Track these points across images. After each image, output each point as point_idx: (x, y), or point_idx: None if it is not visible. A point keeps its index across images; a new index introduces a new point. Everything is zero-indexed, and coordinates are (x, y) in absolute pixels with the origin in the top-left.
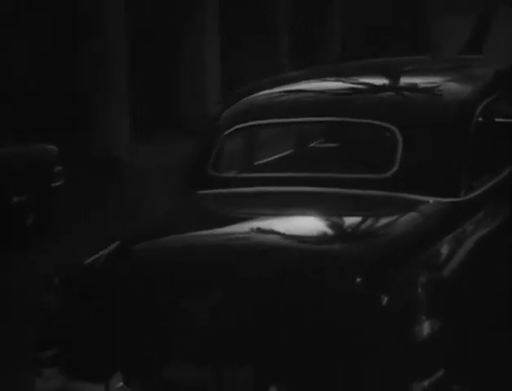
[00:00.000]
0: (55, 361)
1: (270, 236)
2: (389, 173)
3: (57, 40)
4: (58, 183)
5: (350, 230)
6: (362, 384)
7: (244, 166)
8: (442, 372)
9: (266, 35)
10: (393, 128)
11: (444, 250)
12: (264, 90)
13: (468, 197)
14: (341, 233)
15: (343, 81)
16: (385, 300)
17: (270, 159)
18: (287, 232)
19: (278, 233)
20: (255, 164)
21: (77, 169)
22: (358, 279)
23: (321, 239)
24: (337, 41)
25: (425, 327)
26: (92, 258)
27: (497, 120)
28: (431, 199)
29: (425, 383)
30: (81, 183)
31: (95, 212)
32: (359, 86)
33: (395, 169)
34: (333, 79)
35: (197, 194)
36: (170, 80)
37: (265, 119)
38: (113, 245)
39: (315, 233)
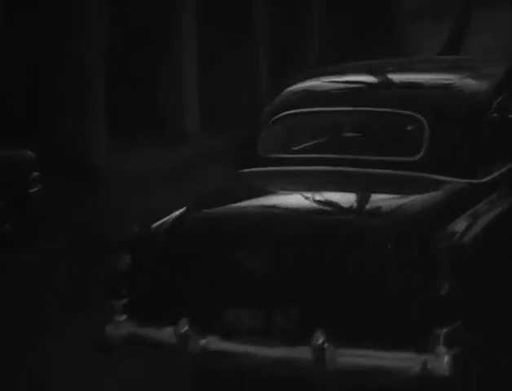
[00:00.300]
0: (126, 309)
1: (312, 204)
2: (417, 157)
3: (32, 44)
4: (35, 189)
5: (381, 204)
6: (395, 328)
7: (287, 148)
8: (458, 323)
9: (246, 36)
10: (421, 118)
11: (463, 223)
12: (304, 82)
13: (484, 180)
14: (374, 206)
15: (374, 77)
16: (412, 262)
17: (310, 143)
18: (326, 204)
19: (319, 203)
20: (297, 148)
21: (54, 175)
22: (388, 246)
23: (357, 210)
24: (316, 55)
25: (446, 286)
26: (159, 222)
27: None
28: (453, 180)
29: (445, 330)
30: (58, 189)
31: (72, 218)
32: (388, 81)
33: (422, 153)
34: (364, 74)
35: (248, 171)
36: (148, 86)
37: (305, 108)
38: (176, 212)
39: (349, 205)
